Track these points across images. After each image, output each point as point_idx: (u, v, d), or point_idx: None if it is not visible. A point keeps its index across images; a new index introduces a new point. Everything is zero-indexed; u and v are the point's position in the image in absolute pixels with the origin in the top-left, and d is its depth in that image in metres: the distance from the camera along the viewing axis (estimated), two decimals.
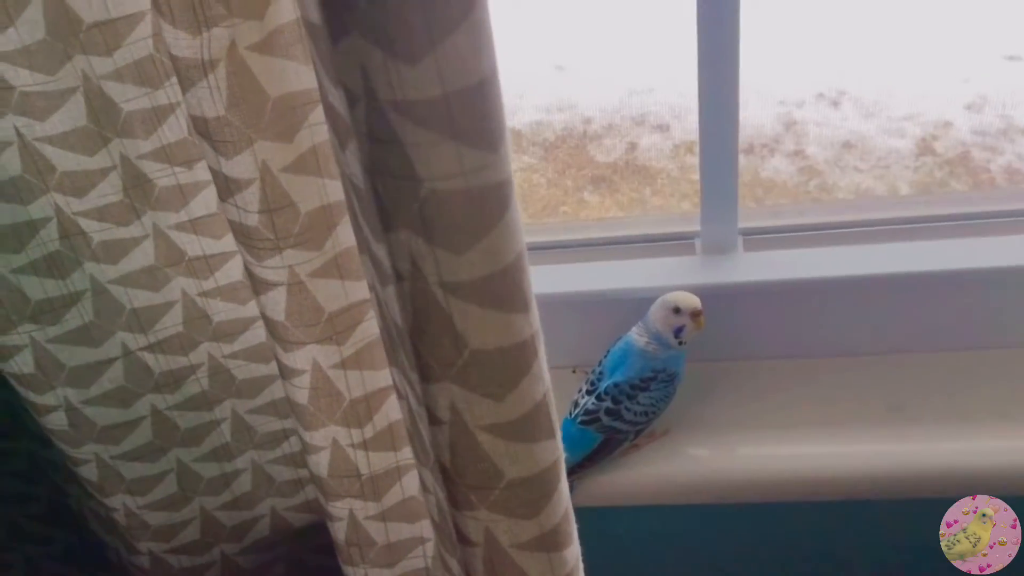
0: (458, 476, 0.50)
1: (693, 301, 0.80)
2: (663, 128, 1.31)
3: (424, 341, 0.46)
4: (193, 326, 0.72)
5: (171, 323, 0.71)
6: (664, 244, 0.91)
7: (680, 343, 0.80)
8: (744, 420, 0.86)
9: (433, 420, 0.49)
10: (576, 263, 0.92)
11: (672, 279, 0.85)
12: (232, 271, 0.71)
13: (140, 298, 0.70)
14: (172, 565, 0.80)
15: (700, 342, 0.82)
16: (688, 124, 1.30)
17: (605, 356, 0.83)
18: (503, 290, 0.45)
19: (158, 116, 0.64)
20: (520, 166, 1.28)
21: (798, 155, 1.25)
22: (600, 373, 0.83)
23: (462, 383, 0.47)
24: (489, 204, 0.41)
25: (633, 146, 1.28)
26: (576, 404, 0.83)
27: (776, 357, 0.90)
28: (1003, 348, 0.88)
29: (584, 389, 0.83)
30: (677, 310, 0.79)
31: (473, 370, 0.46)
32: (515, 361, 0.46)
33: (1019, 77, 1.33)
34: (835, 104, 1.31)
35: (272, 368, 0.75)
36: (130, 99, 0.62)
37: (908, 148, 1.24)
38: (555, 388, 0.87)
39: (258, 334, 0.74)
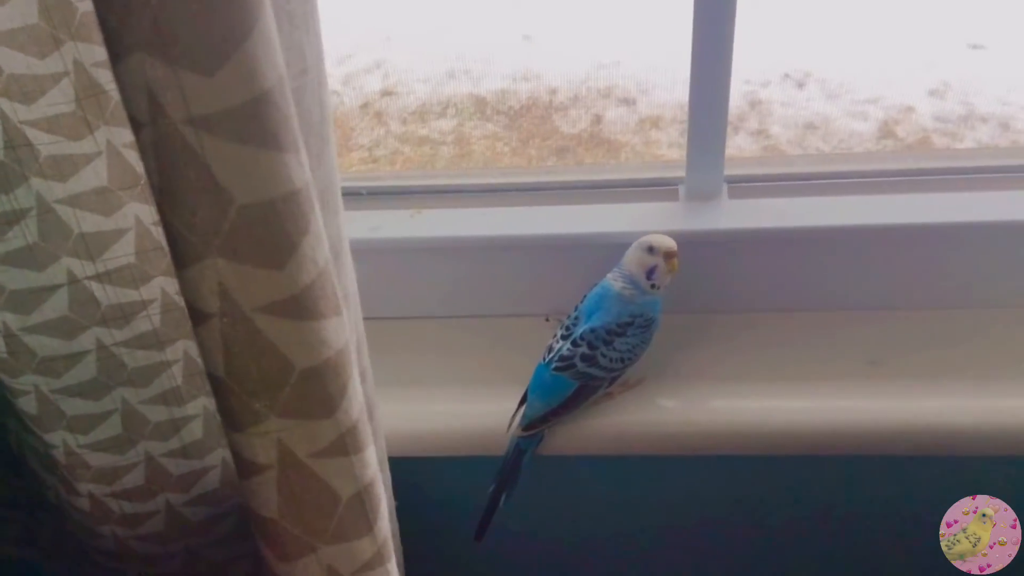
0: (237, 383, 0.43)
1: (667, 242, 0.76)
2: (629, 102, 1.28)
3: (177, 204, 0.39)
4: (146, 258, 0.66)
5: (122, 252, 0.65)
6: (646, 190, 0.87)
7: (653, 286, 0.76)
8: (720, 372, 0.82)
9: (198, 318, 0.41)
10: (553, 206, 0.87)
11: (653, 224, 0.81)
12: None
13: (89, 222, 0.64)
14: (113, 510, 0.74)
15: (679, 292, 0.79)
16: (654, 98, 1.27)
17: (581, 301, 0.79)
18: (264, 121, 0.38)
19: None
20: (484, 133, 1.24)
21: (761, 134, 1.22)
22: (576, 318, 0.78)
23: (231, 254, 0.40)
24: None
25: (598, 119, 1.25)
26: (551, 349, 0.79)
27: (756, 310, 0.86)
28: (985, 307, 0.85)
29: (559, 334, 0.79)
30: (650, 249, 0.76)
31: (244, 233, 0.39)
32: (294, 213, 0.40)
33: (982, 65, 1.32)
34: (800, 85, 1.29)
35: None
36: None
37: (870, 131, 1.22)
38: (527, 338, 0.84)
39: None
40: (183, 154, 0.38)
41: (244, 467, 0.46)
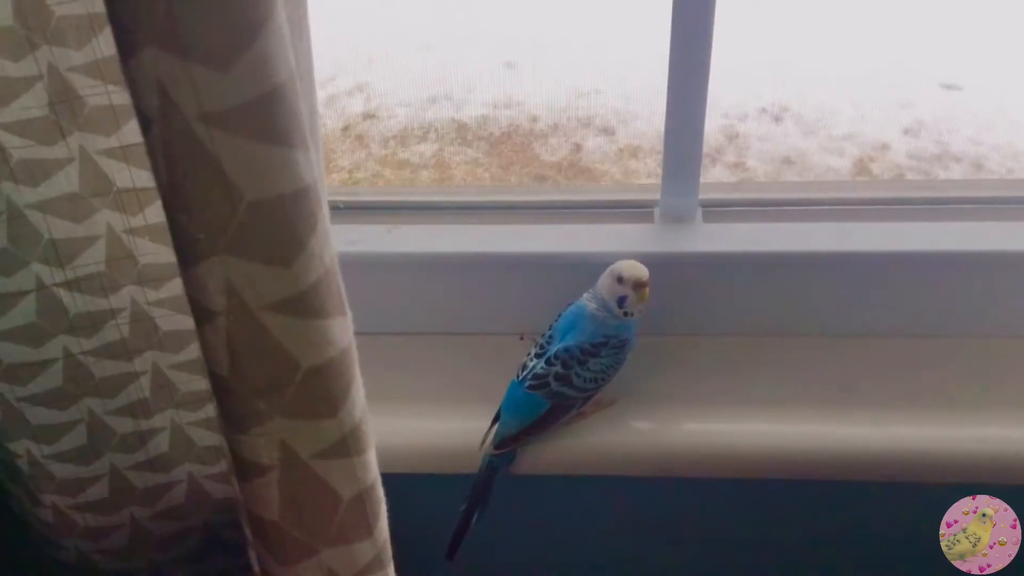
0: (241, 382, 0.42)
1: (637, 272, 0.75)
2: (608, 131, 1.28)
3: (186, 201, 0.38)
4: (116, 266, 0.65)
5: (92, 260, 0.64)
6: (622, 212, 0.87)
7: (625, 313, 0.76)
8: (693, 395, 0.82)
9: (204, 316, 0.41)
10: (529, 224, 0.87)
11: (627, 245, 0.81)
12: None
13: (60, 228, 0.63)
14: (77, 522, 0.72)
15: (653, 314, 0.78)
16: (633, 128, 1.28)
17: (556, 320, 0.79)
18: (275, 118, 0.37)
19: (93, 25, 0.57)
20: (464, 159, 1.24)
21: (738, 167, 1.23)
22: (550, 337, 0.78)
23: (239, 251, 0.39)
24: None
25: (578, 147, 1.25)
26: (524, 367, 0.78)
27: (730, 334, 0.86)
28: (957, 336, 0.85)
29: (533, 352, 0.78)
30: (620, 279, 0.75)
31: (252, 230, 0.38)
32: (302, 210, 0.39)
33: (956, 105, 1.33)
34: (777, 120, 1.30)
35: None
36: (63, 1, 0.56)
37: (846, 167, 1.22)
38: (500, 356, 0.83)
39: None
40: (193, 150, 0.37)
41: (246, 469, 0.44)
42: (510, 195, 0.91)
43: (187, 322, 0.68)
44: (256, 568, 0.63)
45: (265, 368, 0.41)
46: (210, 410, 0.72)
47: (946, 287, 0.84)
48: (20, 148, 0.59)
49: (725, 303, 0.85)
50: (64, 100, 0.59)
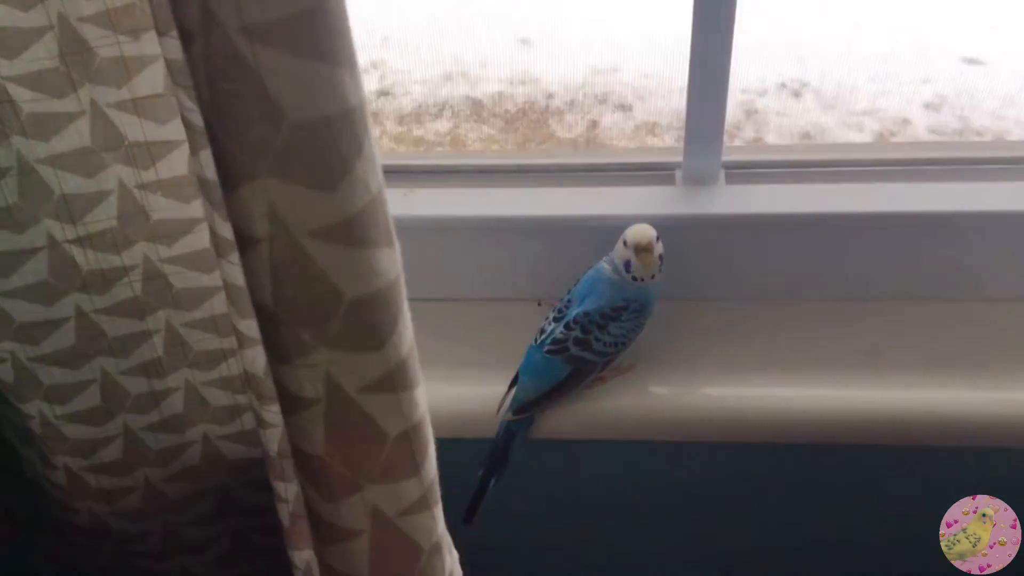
0: (285, 312, 0.40)
1: (638, 235, 0.73)
2: (625, 108, 1.26)
3: (228, 121, 0.37)
4: (129, 222, 0.64)
5: (104, 216, 0.63)
6: (643, 174, 0.85)
7: (633, 278, 0.74)
8: (714, 360, 0.80)
9: (246, 243, 0.39)
10: (548, 188, 0.85)
11: (648, 208, 0.79)
12: (176, 164, 0.63)
13: (71, 183, 0.62)
14: (90, 484, 0.71)
15: (673, 278, 0.77)
16: (651, 105, 1.26)
17: (575, 284, 0.77)
18: (320, 33, 0.36)
19: None
20: (480, 136, 1.22)
21: (757, 143, 1.21)
22: (569, 301, 0.76)
23: (282, 173, 0.37)
24: None
25: (594, 124, 1.24)
26: (543, 331, 0.77)
27: (752, 299, 0.84)
28: (985, 300, 0.84)
29: (552, 316, 0.77)
30: (625, 243, 0.74)
31: (296, 151, 0.37)
32: (347, 132, 0.37)
33: (978, 80, 1.31)
34: (796, 95, 1.28)
35: (214, 280, 0.68)
36: None
37: (866, 142, 1.20)
38: (519, 322, 0.82)
39: (201, 238, 0.66)
40: (235, 66, 0.35)
41: (290, 401, 0.43)
42: (528, 159, 0.89)
43: (201, 279, 0.67)
44: (285, 522, 0.62)
45: (309, 297, 0.40)
46: (224, 369, 0.71)
47: (974, 249, 0.82)
48: (30, 102, 0.59)
49: (747, 267, 0.84)
50: (75, 52, 0.58)
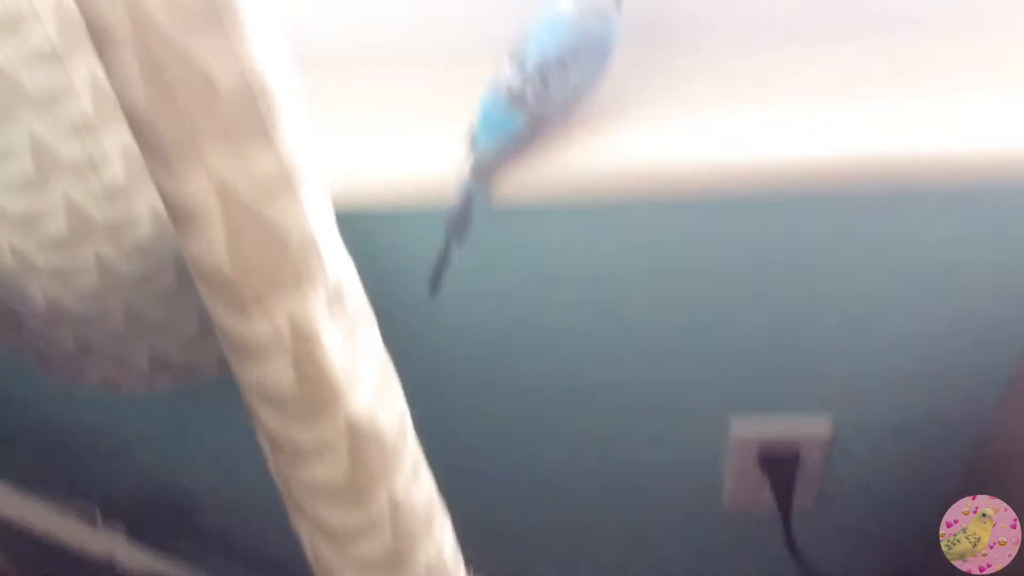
0: None
1: None
2: None
3: None
4: None
5: None
6: None
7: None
8: (688, 106, 0.70)
9: None
10: None
11: None
12: None
13: None
14: (39, 265, 0.66)
15: (638, 17, 0.67)
16: None
17: (530, 27, 0.67)
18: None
19: None
20: None
21: None
22: (524, 45, 0.67)
23: None
24: None
25: None
26: (497, 80, 0.67)
27: (724, 40, 0.73)
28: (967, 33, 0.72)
29: (507, 63, 0.68)
30: None
31: None
32: None
33: None
34: None
35: None
36: None
37: None
38: (479, 82, 0.72)
39: None
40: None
41: (96, 38, 0.35)
42: None
43: None
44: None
45: None
46: None
47: None
48: None
49: (719, 2, 0.72)
50: None
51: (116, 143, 0.64)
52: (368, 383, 0.44)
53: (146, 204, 0.66)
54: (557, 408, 0.94)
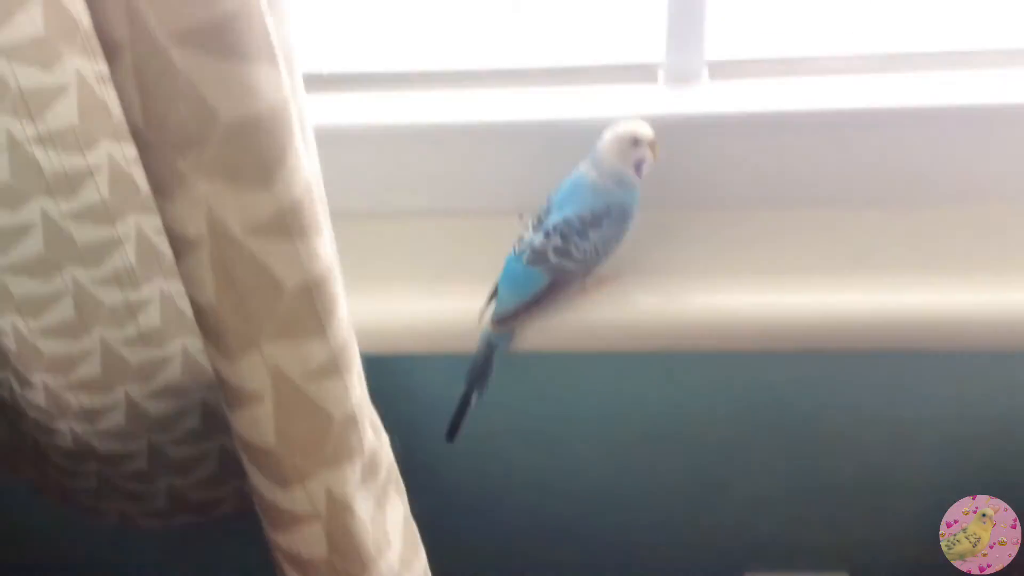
0: (156, 132, 0.36)
1: (649, 129, 0.68)
2: None
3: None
4: (91, 118, 0.61)
5: (64, 111, 0.60)
6: (623, 71, 0.78)
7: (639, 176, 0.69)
8: (700, 268, 0.74)
9: (109, 49, 0.35)
10: (525, 87, 0.78)
11: (632, 108, 0.72)
12: None
13: (28, 77, 0.59)
14: (70, 402, 0.68)
15: (657, 185, 0.72)
16: None
17: (554, 192, 0.72)
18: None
19: None
20: None
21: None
22: (548, 209, 0.71)
23: None
24: None
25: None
26: (521, 240, 0.71)
27: (739, 206, 0.78)
28: (980, 203, 0.76)
29: (531, 224, 0.71)
30: (635, 141, 0.68)
31: None
32: None
33: None
34: None
35: None
36: None
37: None
38: (501, 238, 0.76)
39: None
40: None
41: (176, 242, 0.39)
42: (503, 61, 0.82)
43: None
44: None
45: (178, 115, 0.35)
46: None
47: (973, 146, 0.74)
48: None
49: (734, 170, 0.76)
50: None
51: (155, 291, 0.67)
52: (395, 550, 0.46)
53: (179, 346, 0.69)
54: (570, 557, 0.95)
